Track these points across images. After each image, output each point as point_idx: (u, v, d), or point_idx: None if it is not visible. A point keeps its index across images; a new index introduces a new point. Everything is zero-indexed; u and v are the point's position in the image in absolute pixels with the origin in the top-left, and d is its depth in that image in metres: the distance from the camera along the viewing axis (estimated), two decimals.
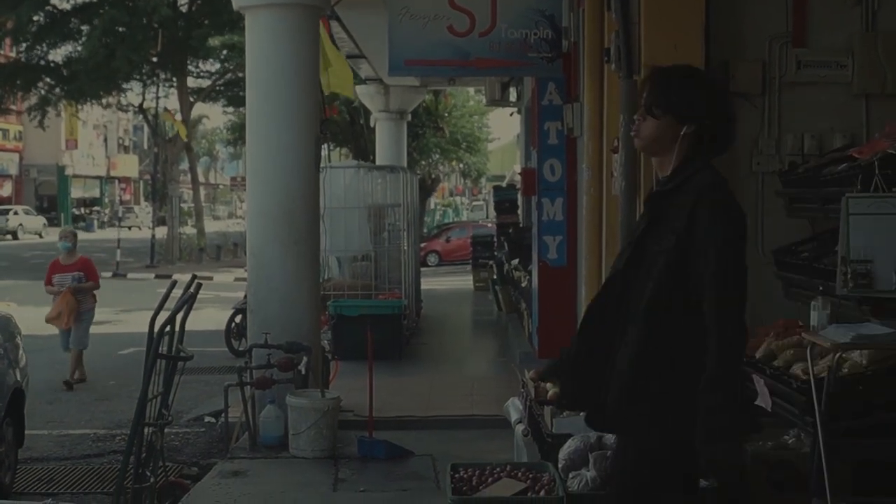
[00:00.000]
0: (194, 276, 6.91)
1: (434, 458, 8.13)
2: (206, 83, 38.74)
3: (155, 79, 35.94)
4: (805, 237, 6.49)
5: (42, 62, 34.29)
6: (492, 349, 15.19)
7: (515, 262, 17.01)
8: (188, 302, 6.63)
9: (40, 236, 53.65)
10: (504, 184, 31.30)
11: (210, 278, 27.75)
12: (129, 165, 74.06)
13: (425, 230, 38.16)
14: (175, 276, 7.83)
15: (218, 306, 19.21)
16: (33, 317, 15.56)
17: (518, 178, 21.32)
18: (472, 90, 37.50)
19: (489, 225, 34.27)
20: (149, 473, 6.52)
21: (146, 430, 6.44)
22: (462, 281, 27.14)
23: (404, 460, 8.14)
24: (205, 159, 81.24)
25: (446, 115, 38.65)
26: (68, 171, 65.00)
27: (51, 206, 65.35)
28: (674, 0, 6.75)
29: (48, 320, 12.72)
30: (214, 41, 33.58)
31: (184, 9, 33.42)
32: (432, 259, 35.28)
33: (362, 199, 14.95)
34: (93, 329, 13.28)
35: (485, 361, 14.15)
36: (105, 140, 69.00)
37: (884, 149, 5.26)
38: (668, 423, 3.57)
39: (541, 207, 11.92)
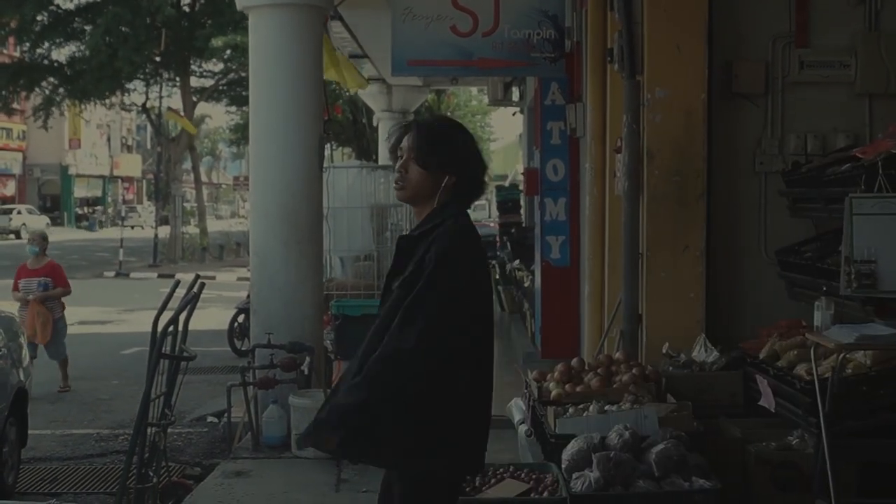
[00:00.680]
0: (197, 276, 6.91)
1: None
2: (209, 82, 38.72)
3: (158, 78, 35.94)
4: (808, 237, 6.49)
5: (45, 62, 34.29)
6: (494, 349, 15.15)
7: (518, 262, 16.99)
8: (191, 302, 6.63)
9: None
10: (506, 183, 31.27)
11: (213, 278, 27.74)
12: (132, 165, 74.08)
13: None
14: (178, 276, 7.82)
15: (221, 306, 19.20)
16: None
17: (521, 177, 21.29)
18: (474, 90, 37.51)
19: (492, 225, 34.22)
20: (152, 473, 6.53)
21: (149, 430, 6.44)
22: None
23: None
24: (208, 159, 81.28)
25: (449, 114, 38.67)
26: (72, 171, 65.02)
27: (54, 205, 65.39)
28: (677, 0, 6.74)
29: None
30: (217, 41, 33.53)
31: (187, 8, 33.40)
32: None
33: (365, 198, 14.92)
34: (96, 329, 13.29)
35: None
36: (108, 139, 69.01)
37: (887, 149, 5.25)
38: (419, 455, 3.64)
39: (543, 207, 11.90)
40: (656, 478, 4.87)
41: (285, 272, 8.97)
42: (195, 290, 6.69)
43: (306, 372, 8.63)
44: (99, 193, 71.20)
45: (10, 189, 62.04)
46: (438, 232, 3.70)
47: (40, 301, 12.16)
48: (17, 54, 39.09)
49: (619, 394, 5.79)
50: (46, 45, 33.29)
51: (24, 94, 36.75)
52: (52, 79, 34.63)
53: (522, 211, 21.06)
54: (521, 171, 20.66)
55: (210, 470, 8.29)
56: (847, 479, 5.13)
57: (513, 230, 19.75)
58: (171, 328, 6.51)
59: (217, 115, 73.49)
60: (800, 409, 5.02)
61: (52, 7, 32.33)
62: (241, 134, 43.99)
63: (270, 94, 9.13)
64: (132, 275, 31.38)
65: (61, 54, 35.14)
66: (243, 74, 34.25)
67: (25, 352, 8.68)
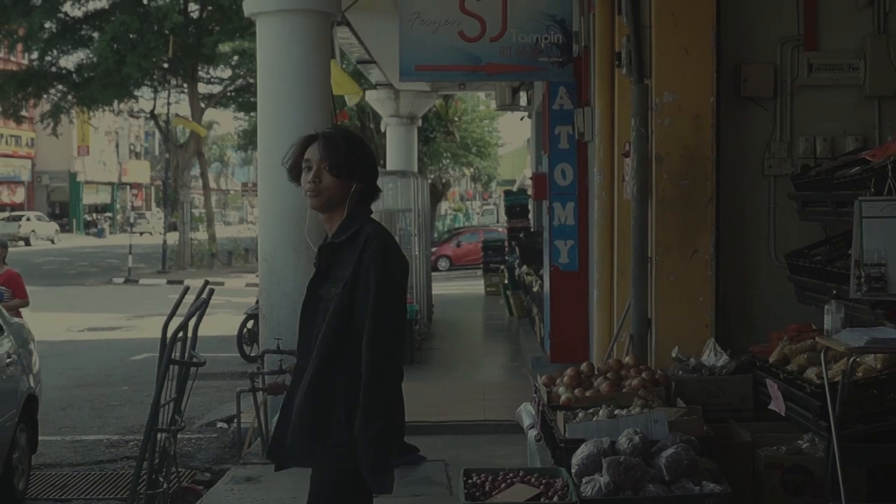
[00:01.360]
0: (206, 282, 6.92)
1: (446, 464, 8.09)
2: (217, 89, 38.78)
3: (166, 85, 36.03)
4: (818, 241, 6.48)
5: (54, 69, 34.38)
6: (503, 354, 15.18)
7: (526, 266, 17.00)
8: (201, 307, 6.64)
9: (52, 242, 53.86)
10: (515, 188, 31.30)
11: (222, 284, 27.78)
12: (140, 171, 74.22)
13: (436, 235, 38.15)
14: (187, 282, 7.83)
15: (230, 312, 19.24)
16: (46, 323, 15.65)
17: (529, 182, 21.30)
18: (482, 95, 37.48)
19: (500, 229, 34.27)
20: (162, 479, 6.54)
21: (159, 435, 6.45)
22: (473, 286, 27.15)
23: (416, 466, 8.10)
24: (216, 165, 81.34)
25: (456, 119, 38.66)
26: (80, 178, 65.19)
27: (63, 212, 65.56)
28: (685, 4, 6.74)
29: None
30: (225, 47, 33.59)
31: (195, 15, 33.46)
32: (443, 264, 35.27)
33: (373, 204, 14.96)
34: (106, 335, 13.30)
35: (497, 366, 14.14)
36: (117, 146, 69.08)
37: None
38: (340, 455, 3.94)
39: (552, 212, 11.90)
40: (666, 482, 4.86)
41: (294, 277, 8.98)
42: (204, 295, 6.69)
43: None
44: (107, 200, 71.37)
45: (19, 196, 62.20)
46: (365, 235, 3.96)
47: None
48: (25, 62, 39.20)
49: (628, 398, 5.78)
50: (55, 52, 33.36)
51: (32, 101, 36.82)
52: (60, 86, 34.72)
53: (531, 215, 21.07)
54: (529, 175, 20.65)
55: (220, 475, 8.30)
56: (857, 483, 5.12)
57: (521, 235, 19.77)
58: (180, 334, 6.52)
59: (225, 122, 73.76)
60: (810, 413, 5.01)
61: (60, 15, 32.41)
62: (249, 140, 44.07)
63: (278, 99, 9.16)
64: (141, 281, 31.45)
65: (69, 61, 35.30)
66: (251, 80, 34.30)
67: (36, 358, 8.69)
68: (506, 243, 23.24)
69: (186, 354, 6.62)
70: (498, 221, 49.73)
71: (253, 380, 8.71)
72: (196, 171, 39.93)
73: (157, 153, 69.57)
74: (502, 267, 20.56)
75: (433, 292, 19.17)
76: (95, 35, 32.25)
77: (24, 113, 38.91)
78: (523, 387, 8.34)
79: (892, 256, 5.01)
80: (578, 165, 11.53)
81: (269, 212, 9.21)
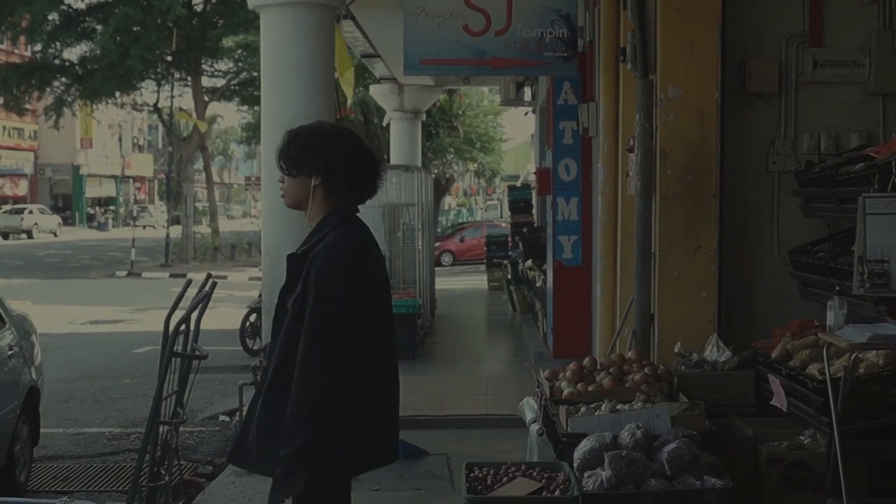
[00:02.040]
0: (209, 275, 6.91)
1: (449, 458, 8.12)
2: (220, 82, 38.76)
3: (169, 78, 36.01)
4: (821, 237, 6.47)
5: (57, 61, 34.37)
6: (506, 349, 15.18)
7: (530, 261, 17.00)
8: (203, 301, 6.63)
9: (55, 235, 53.90)
10: (518, 183, 31.28)
11: (225, 277, 27.80)
12: (143, 165, 74.26)
13: (440, 230, 38.13)
14: (190, 275, 7.83)
15: (233, 305, 19.24)
16: (48, 315, 15.67)
17: (532, 177, 21.31)
18: (486, 90, 37.47)
19: (504, 224, 34.26)
20: (164, 472, 6.54)
21: (161, 428, 6.44)
22: (476, 280, 27.14)
23: (419, 460, 8.13)
24: (219, 158, 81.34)
25: (461, 114, 38.62)
26: (83, 171, 65.24)
27: (66, 205, 65.63)
28: None
29: None
30: (229, 40, 33.57)
31: (198, 8, 33.44)
32: (447, 258, 35.27)
33: (377, 198, 14.81)
34: (108, 328, 13.31)
35: (499, 361, 14.14)
36: (120, 139, 69.15)
37: None
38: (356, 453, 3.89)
39: (556, 207, 11.91)
40: (668, 477, 4.86)
41: None
42: (207, 289, 6.69)
43: None
44: (111, 193, 71.42)
45: (21, 189, 62.27)
46: (316, 250, 3.86)
47: None
48: (28, 54, 39.18)
49: (631, 393, 5.79)
50: (58, 44, 33.35)
51: (35, 93, 36.82)
52: (63, 78, 34.70)
53: (534, 211, 21.07)
54: (533, 171, 20.66)
55: (222, 468, 8.30)
56: (859, 479, 5.13)
57: (525, 230, 19.78)
58: (182, 327, 6.51)
59: (229, 115, 73.77)
60: (812, 409, 5.01)
61: (63, 6, 32.40)
62: (252, 133, 44.03)
63: (282, 93, 9.15)
64: (144, 274, 31.46)
65: (72, 54, 35.26)
66: (255, 74, 34.30)
67: (38, 350, 8.70)
68: (509, 238, 23.23)
69: (189, 347, 6.61)
70: (501, 217, 49.75)
71: (255, 373, 8.70)
72: (199, 164, 39.95)
73: (160, 146, 69.59)
74: (506, 262, 20.55)
75: (436, 287, 19.18)
76: (99, 27, 32.22)
77: (27, 105, 38.96)
78: (526, 381, 8.34)
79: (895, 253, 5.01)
80: (582, 161, 11.53)
81: (273, 206, 9.20)
